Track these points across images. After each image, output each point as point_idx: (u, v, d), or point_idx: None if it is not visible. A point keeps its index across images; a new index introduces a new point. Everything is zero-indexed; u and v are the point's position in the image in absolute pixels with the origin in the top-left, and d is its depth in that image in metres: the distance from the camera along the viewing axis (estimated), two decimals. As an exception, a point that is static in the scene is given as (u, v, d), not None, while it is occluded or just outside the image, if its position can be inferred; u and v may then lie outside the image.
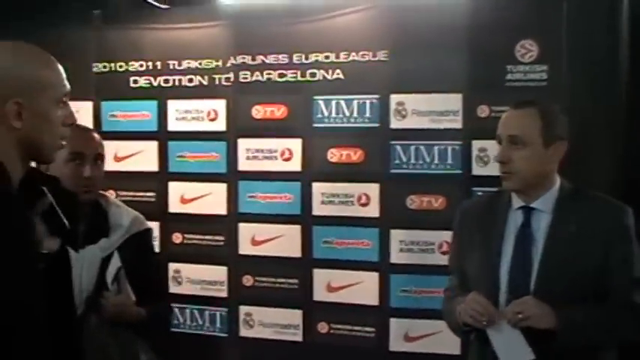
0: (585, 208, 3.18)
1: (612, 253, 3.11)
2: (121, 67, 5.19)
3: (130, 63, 5.17)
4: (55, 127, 2.39)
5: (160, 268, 3.88)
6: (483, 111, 4.49)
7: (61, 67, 2.43)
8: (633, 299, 3.10)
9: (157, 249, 4.68)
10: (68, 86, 2.43)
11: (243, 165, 4.95)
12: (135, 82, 5.16)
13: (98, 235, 3.54)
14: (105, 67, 5.22)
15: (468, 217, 3.45)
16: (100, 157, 3.61)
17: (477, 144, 4.51)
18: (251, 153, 4.93)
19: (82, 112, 5.13)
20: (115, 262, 3.50)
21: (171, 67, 5.08)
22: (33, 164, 2.48)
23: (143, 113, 5.15)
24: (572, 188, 3.25)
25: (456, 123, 4.55)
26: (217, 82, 4.99)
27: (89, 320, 3.44)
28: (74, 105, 4.91)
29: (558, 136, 3.18)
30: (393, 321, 4.70)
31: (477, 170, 4.52)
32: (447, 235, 4.48)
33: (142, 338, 3.69)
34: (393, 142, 4.65)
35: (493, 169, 4.33)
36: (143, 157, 5.11)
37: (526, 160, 3.15)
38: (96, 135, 3.71)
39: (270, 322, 4.96)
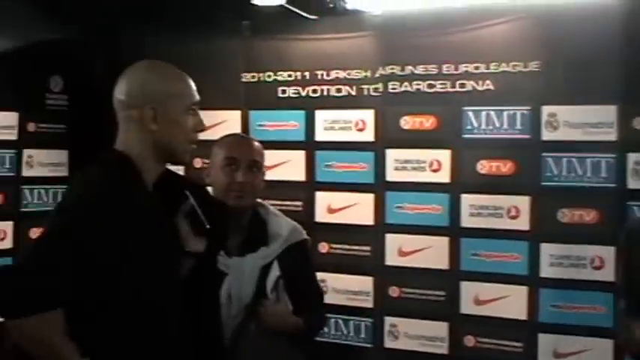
0: None
1: None
2: (269, 77, 5.35)
3: (279, 73, 5.33)
4: (185, 132, 2.74)
5: (316, 278, 3.91)
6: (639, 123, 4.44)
7: (190, 81, 2.76)
8: None
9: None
10: (197, 97, 2.80)
11: (391, 175, 5.04)
12: (283, 92, 5.31)
13: (257, 244, 3.61)
14: (253, 77, 5.39)
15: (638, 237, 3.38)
16: (255, 165, 3.62)
17: (632, 157, 4.48)
18: (399, 163, 5.01)
19: (231, 122, 5.34)
20: (275, 271, 3.56)
21: (319, 77, 5.22)
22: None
23: (291, 123, 5.30)
24: None
25: (610, 135, 4.53)
26: (366, 92, 5.09)
27: (248, 328, 3.51)
28: (223, 114, 5.17)
29: None
30: (541, 336, 4.70)
31: (633, 184, 4.48)
32: (599, 250, 4.53)
33: (299, 348, 3.73)
34: (545, 155, 4.66)
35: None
36: (291, 167, 5.24)
37: None
38: (255, 143, 3.73)
39: (415, 334, 5.02)
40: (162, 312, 2.68)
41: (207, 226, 2.87)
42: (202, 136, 5.29)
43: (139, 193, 2.67)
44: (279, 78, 5.30)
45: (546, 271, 4.66)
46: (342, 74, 5.13)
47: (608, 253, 4.51)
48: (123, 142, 2.71)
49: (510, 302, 4.76)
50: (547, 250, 4.66)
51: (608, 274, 4.50)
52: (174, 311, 2.73)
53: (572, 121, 4.60)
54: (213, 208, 3.00)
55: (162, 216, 2.75)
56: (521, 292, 4.73)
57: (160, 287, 2.68)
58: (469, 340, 4.87)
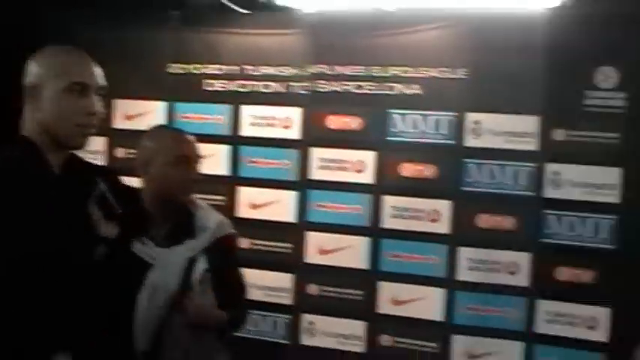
0: None
1: None
2: (196, 69, 5.58)
3: (206, 66, 5.55)
4: (66, 114, 2.79)
5: (241, 273, 4.12)
6: (560, 135, 4.81)
7: (79, 60, 2.82)
8: None
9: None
10: (83, 77, 2.78)
11: (315, 174, 5.31)
12: (210, 85, 5.54)
13: (185, 236, 3.80)
14: (181, 68, 5.60)
15: None
16: (199, 161, 3.88)
17: (550, 167, 4.83)
18: (323, 162, 5.28)
19: (156, 112, 5.58)
20: (201, 264, 3.73)
21: (247, 72, 5.45)
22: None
23: (216, 117, 5.52)
24: None
25: (532, 145, 4.87)
26: (294, 90, 5.35)
27: (172, 320, 3.67)
28: (148, 104, 5.36)
29: None
30: (456, 337, 5.03)
31: (550, 193, 4.83)
32: (515, 256, 4.87)
33: (221, 342, 3.95)
34: (467, 160, 4.98)
35: (565, 193, 4.68)
36: (214, 161, 5.41)
37: None
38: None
39: (332, 332, 5.29)
40: (53, 292, 2.75)
41: (119, 211, 3.08)
42: (126, 125, 5.54)
43: (41, 176, 2.77)
44: (207, 71, 5.53)
45: (463, 275, 4.99)
46: (270, 70, 5.38)
47: (523, 259, 4.88)
48: (24, 127, 2.81)
49: (427, 303, 5.06)
50: (465, 253, 4.98)
51: (522, 280, 4.87)
52: (70, 293, 2.81)
53: (495, 129, 4.92)
54: (125, 192, 3.14)
55: (67, 199, 2.83)
56: (438, 293, 5.04)
57: (55, 267, 2.75)
58: (386, 340, 5.16)
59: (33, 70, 2.79)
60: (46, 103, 2.75)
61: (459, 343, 5.02)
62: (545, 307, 4.84)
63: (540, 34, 4.81)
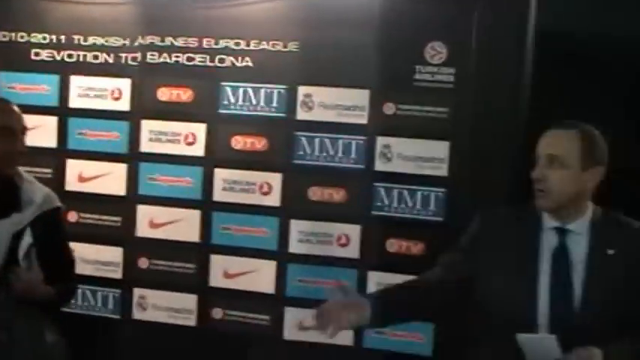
0: (622, 233, 3.22)
1: None
2: (22, 37, 5.29)
3: (33, 34, 5.27)
4: None
5: (69, 246, 3.98)
6: (389, 108, 4.75)
7: None
8: None
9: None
10: None
11: (145, 146, 5.12)
12: (36, 54, 5.27)
13: (9, 210, 3.64)
14: (5, 36, 5.32)
15: (492, 227, 3.35)
16: (25, 131, 3.74)
17: (381, 140, 4.78)
18: (154, 135, 5.10)
19: (-23, 82, 5.24)
20: (27, 238, 3.61)
21: (76, 41, 5.20)
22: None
23: (43, 87, 5.26)
24: (604, 212, 3.27)
25: (362, 118, 4.81)
26: (123, 60, 5.14)
27: None
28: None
29: (596, 160, 3.20)
30: (288, 310, 4.95)
31: (380, 166, 4.79)
32: (346, 229, 4.82)
33: (49, 317, 3.80)
34: (298, 133, 4.89)
35: (395, 166, 4.68)
36: (41, 133, 5.17)
37: (561, 181, 3.16)
38: (16, 107, 3.78)
39: (164, 306, 5.14)
40: None
41: None
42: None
43: None
44: (33, 40, 5.25)
45: (295, 247, 4.91)
46: (100, 40, 5.15)
47: (353, 231, 4.83)
48: None
49: (259, 276, 4.97)
50: (296, 226, 4.90)
51: (353, 252, 4.83)
52: None
53: (326, 102, 4.84)
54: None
55: None
56: (269, 266, 4.96)
57: None
58: (217, 313, 5.04)
59: None
60: None
61: (291, 316, 4.94)
62: (376, 278, 4.78)
63: (372, 8, 4.75)
